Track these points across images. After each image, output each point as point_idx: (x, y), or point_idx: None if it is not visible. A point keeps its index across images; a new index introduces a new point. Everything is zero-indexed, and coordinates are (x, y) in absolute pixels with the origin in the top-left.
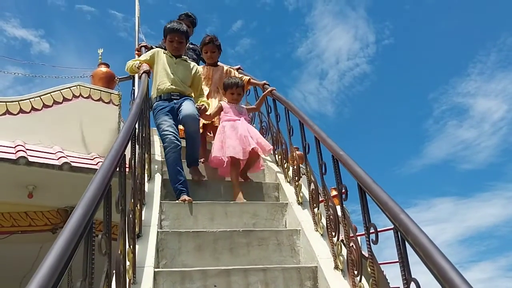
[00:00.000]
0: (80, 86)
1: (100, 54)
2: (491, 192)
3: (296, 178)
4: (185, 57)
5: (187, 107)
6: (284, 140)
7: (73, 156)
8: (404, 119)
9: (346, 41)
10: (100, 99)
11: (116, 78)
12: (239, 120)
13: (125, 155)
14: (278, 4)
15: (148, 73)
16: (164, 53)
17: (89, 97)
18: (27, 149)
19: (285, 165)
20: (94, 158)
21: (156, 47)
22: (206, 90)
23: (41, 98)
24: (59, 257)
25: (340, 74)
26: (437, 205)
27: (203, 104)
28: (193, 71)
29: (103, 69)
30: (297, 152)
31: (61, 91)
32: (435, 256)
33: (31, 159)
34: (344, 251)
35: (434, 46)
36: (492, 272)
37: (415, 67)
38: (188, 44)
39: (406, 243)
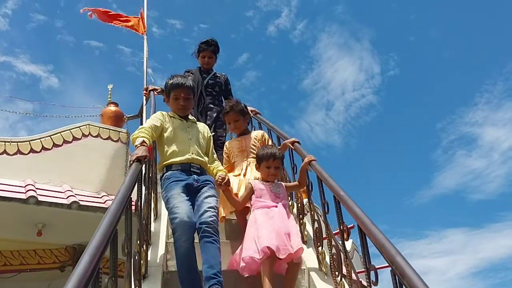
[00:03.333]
0: (90, 125)
1: (110, 90)
2: (503, 222)
3: (301, 216)
4: (192, 118)
5: (209, 213)
6: (288, 178)
7: (81, 195)
8: (412, 149)
9: (351, 72)
10: (109, 138)
11: (124, 116)
12: (276, 207)
13: (131, 198)
14: (283, 37)
15: (142, 160)
16: (170, 116)
17: (98, 135)
18: (37, 188)
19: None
20: (102, 196)
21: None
22: (244, 166)
23: (51, 138)
24: None
25: (346, 105)
26: (448, 236)
27: (225, 174)
28: (206, 134)
29: (112, 108)
30: None
31: (71, 130)
32: None
33: (40, 198)
34: None
35: (440, 76)
36: None
37: (421, 97)
38: (214, 73)
39: (403, 286)
